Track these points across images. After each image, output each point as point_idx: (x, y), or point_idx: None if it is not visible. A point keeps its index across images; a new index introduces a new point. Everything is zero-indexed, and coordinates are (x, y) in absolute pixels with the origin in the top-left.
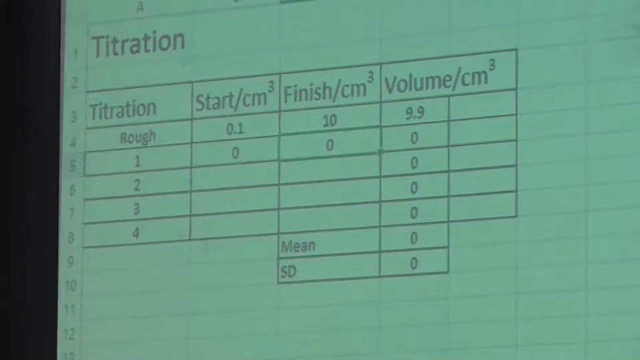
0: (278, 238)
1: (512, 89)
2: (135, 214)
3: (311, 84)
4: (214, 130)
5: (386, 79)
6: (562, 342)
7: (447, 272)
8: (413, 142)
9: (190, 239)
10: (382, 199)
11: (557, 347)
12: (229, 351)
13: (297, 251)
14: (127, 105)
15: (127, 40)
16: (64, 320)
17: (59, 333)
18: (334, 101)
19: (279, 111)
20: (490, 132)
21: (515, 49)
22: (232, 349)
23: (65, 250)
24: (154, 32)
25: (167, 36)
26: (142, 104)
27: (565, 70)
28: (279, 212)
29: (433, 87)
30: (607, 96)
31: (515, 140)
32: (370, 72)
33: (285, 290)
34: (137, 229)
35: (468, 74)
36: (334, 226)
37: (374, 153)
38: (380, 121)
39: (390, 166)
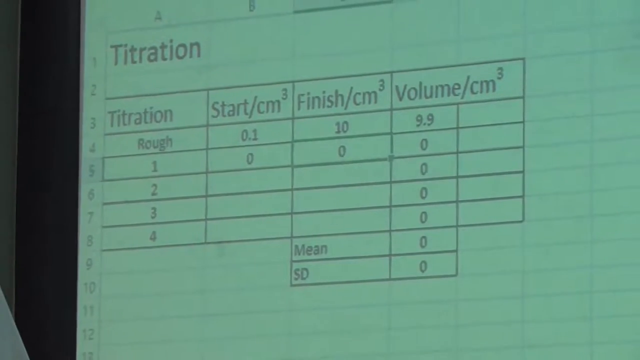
0: (291, 241)
1: (519, 97)
2: (152, 217)
3: (324, 92)
4: (229, 137)
5: (397, 87)
6: (567, 343)
7: (455, 275)
8: (423, 149)
9: (205, 242)
10: (393, 203)
11: (563, 348)
12: (242, 352)
13: (309, 254)
14: (145, 112)
15: (144, 48)
16: (83, 321)
17: (78, 333)
18: (346, 108)
19: (293, 118)
20: (498, 139)
21: (523, 58)
22: (246, 349)
23: (84, 253)
24: (171, 40)
25: (183, 45)
26: (160, 111)
27: (572, 79)
28: (292, 217)
29: (442, 95)
30: (613, 104)
31: (523, 147)
32: (381, 80)
33: (298, 292)
34: (154, 232)
35: (476, 82)
36: (345, 230)
37: (384, 159)
38: (391, 128)
39: (400, 172)
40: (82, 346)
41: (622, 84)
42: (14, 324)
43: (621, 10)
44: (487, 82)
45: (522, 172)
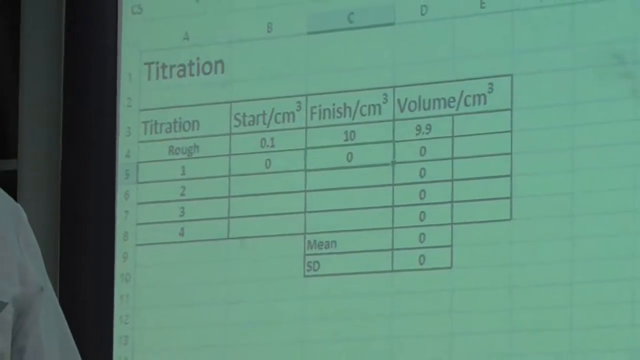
0: (304, 237)
1: (507, 109)
2: (181, 216)
3: (333, 104)
4: (249, 144)
5: (398, 100)
6: (550, 329)
7: (450, 268)
8: (422, 155)
9: (228, 238)
10: (395, 204)
11: (545, 333)
12: (261, 335)
13: (320, 249)
14: (174, 122)
15: (174, 65)
16: (119, 308)
17: (115, 319)
18: (353, 119)
19: (306, 127)
20: (489, 146)
21: (511, 75)
22: (264, 333)
23: (120, 247)
24: (198, 58)
25: (209, 62)
26: (187, 121)
27: (555, 93)
28: (305, 215)
29: (439, 107)
30: (591, 115)
31: (510, 153)
32: (385, 94)
33: (311, 282)
34: (182, 229)
35: (469, 96)
36: (352, 227)
37: (387, 164)
38: (393, 136)
39: (401, 176)
40: (118, 330)
41: (600, 98)
42: (61, 312)
43: (600, 32)
44: (479, 95)
45: (510, 175)
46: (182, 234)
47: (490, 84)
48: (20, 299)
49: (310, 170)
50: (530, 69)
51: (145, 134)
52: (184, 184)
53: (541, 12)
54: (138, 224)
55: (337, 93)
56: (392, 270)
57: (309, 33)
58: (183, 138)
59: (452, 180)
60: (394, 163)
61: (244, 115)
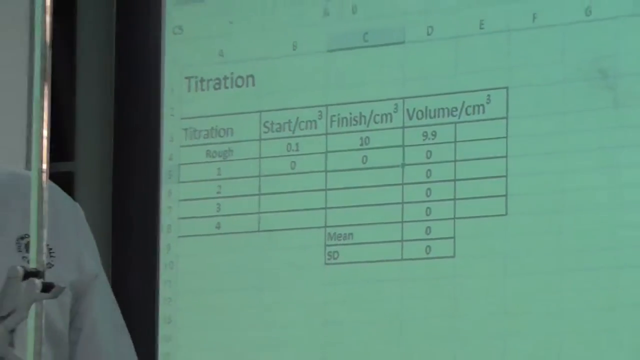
0: (325, 230)
1: (504, 118)
2: (217, 211)
3: (350, 113)
4: (277, 148)
5: (407, 110)
6: (540, 311)
7: (453, 257)
8: (428, 158)
9: (259, 231)
10: (404, 200)
11: (536, 314)
12: (288, 316)
13: (339, 240)
14: (211, 129)
15: (211, 79)
16: (164, 292)
17: (160, 301)
18: (367, 126)
19: (326, 134)
20: (487, 150)
21: (507, 87)
22: (291, 313)
23: (164, 238)
24: (232, 73)
25: (241, 76)
26: (223, 128)
27: (546, 104)
28: (325, 211)
29: (443, 116)
30: (578, 123)
31: (506, 156)
32: (396, 104)
33: (331, 269)
34: (218, 222)
35: (470, 106)
36: (367, 221)
37: (398, 166)
38: (403, 142)
39: (410, 176)
40: (163, 310)
41: (586, 107)
42: (113, 297)
43: (586, 50)
44: (478, 106)
45: (506, 176)
46: (218, 227)
47: (488, 95)
48: (77, 285)
49: (329, 171)
50: (524, 82)
51: (185, 139)
52: (219, 183)
53: (534, 32)
54: (179, 218)
55: (353, 104)
56: (402, 259)
57: (329, 51)
58: (219, 143)
59: (454, 180)
60: (403, 165)
61: (272, 123)
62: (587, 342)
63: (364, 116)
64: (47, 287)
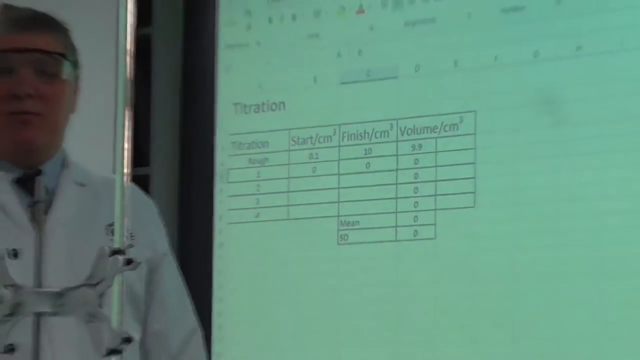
0: (338, 218)
1: (473, 134)
2: (257, 204)
3: (357, 130)
4: (302, 157)
5: (400, 128)
6: (500, 279)
7: (434, 239)
8: (415, 164)
9: (288, 219)
10: (398, 196)
11: (497, 281)
12: (308, 284)
13: (349, 226)
14: (252, 142)
15: (252, 105)
16: (217, 264)
17: (214, 272)
18: (370, 140)
19: (339, 146)
20: (460, 158)
21: (475, 111)
22: (310, 284)
23: (218, 225)
24: (267, 100)
25: (275, 103)
26: (261, 142)
27: (504, 123)
28: (338, 204)
29: (427, 133)
30: (527, 137)
31: (475, 163)
32: (391, 124)
33: (343, 248)
34: (258, 213)
35: (447, 125)
36: (370, 211)
37: (393, 170)
38: (397, 152)
39: (402, 178)
40: (218, 278)
41: (534, 126)
42: (179, 273)
43: (535, 81)
44: (453, 124)
45: (474, 178)
46: (257, 216)
47: (461, 117)
48: (151, 261)
49: (341, 174)
50: (489, 107)
51: (233, 150)
52: (258, 183)
53: (495, 69)
54: (229, 209)
55: (359, 123)
56: (396, 240)
57: (341, 83)
58: (257, 153)
59: (435, 181)
60: (397, 170)
61: (298, 138)
62: (542, 304)
63: (367, 133)
64: (128, 262)
